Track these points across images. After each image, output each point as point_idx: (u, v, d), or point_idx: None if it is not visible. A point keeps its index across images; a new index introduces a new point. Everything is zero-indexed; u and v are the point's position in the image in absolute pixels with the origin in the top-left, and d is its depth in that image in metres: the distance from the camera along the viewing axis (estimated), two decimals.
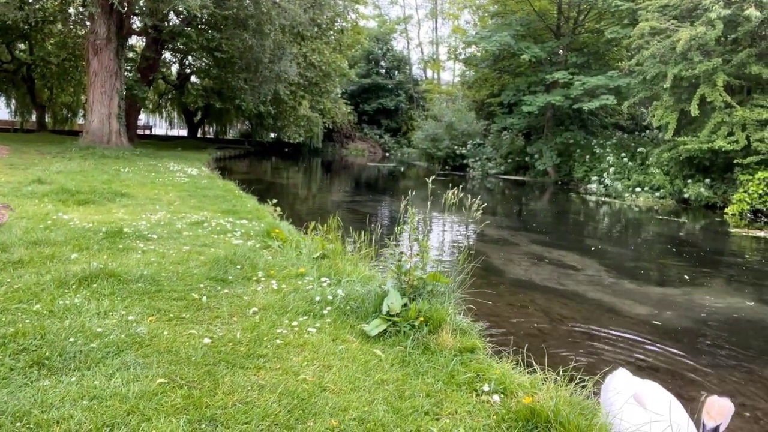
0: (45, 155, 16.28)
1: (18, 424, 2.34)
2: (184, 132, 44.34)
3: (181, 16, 23.76)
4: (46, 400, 2.54)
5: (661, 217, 16.11)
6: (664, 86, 18.25)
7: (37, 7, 19.27)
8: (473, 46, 30.62)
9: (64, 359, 2.95)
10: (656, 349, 5.28)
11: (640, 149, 22.47)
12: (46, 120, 34.82)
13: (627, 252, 10.82)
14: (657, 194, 19.77)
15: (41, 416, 2.40)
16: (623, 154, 22.94)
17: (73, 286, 4.09)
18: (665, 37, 18.37)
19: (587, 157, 24.86)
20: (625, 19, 23.27)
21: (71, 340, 3.17)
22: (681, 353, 5.20)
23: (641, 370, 4.76)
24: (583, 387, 3.09)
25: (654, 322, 6.12)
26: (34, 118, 35.01)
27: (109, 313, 3.68)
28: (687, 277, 8.51)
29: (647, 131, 26.05)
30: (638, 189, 20.45)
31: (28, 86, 31.85)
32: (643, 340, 5.51)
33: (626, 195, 20.40)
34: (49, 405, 2.50)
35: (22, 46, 31.05)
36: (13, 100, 35.03)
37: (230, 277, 4.72)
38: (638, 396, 3.00)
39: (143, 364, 2.99)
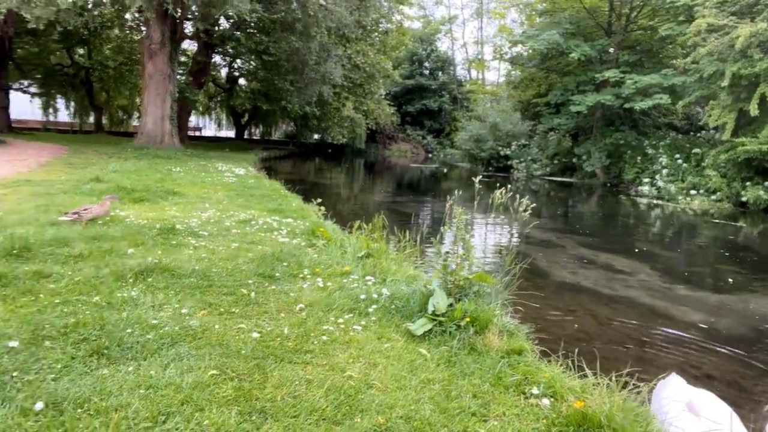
0: (102, 155, 16.99)
1: (79, 410, 2.45)
2: (231, 133, 45.45)
3: (231, 21, 24.38)
4: (105, 388, 2.64)
5: (717, 221, 15.44)
6: (722, 85, 17.49)
7: (96, 13, 20.12)
8: (520, 46, 30.14)
9: (122, 349, 3.07)
10: (711, 356, 5.07)
11: (696, 150, 21.61)
12: (103, 121, 36.37)
13: (680, 257, 10.42)
14: (713, 197, 18.97)
15: (101, 403, 2.50)
16: (677, 156, 22.12)
17: (130, 280, 4.25)
18: (723, 34, 17.61)
19: (639, 158, 24.09)
20: (681, 15, 22.41)
21: (128, 331, 3.29)
22: (738, 362, 4.98)
23: (695, 378, 4.57)
24: (638, 393, 2.99)
25: (709, 328, 5.87)
26: (92, 119, 36.62)
27: (164, 306, 3.81)
28: (745, 283, 8.13)
29: (703, 132, 25.05)
30: (693, 191, 19.67)
31: (87, 89, 33.34)
32: (697, 347, 5.29)
33: (680, 198, 19.66)
34: (108, 393, 2.60)
35: (81, 50, 32.52)
36: (73, 103, 36.73)
37: (277, 274, 4.80)
38: (692, 405, 2.88)
39: (196, 355, 3.08)
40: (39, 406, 2.44)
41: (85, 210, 6.05)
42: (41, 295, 3.79)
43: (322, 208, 8.97)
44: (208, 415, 2.49)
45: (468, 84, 55.01)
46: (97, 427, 2.32)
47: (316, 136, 42.59)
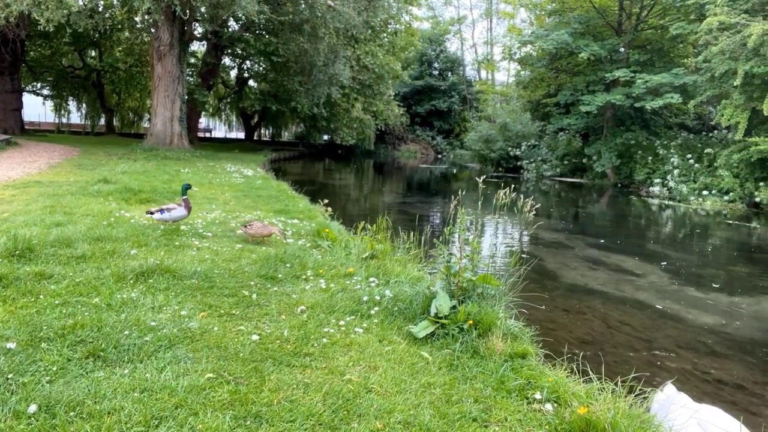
0: (112, 156, 17.09)
1: (71, 413, 2.41)
2: (241, 135, 45.64)
3: (240, 22, 24.46)
4: (99, 391, 2.61)
5: (730, 222, 15.22)
6: (734, 84, 17.26)
7: (106, 15, 20.28)
8: (529, 46, 29.94)
9: (119, 352, 3.03)
10: (723, 360, 4.96)
11: (708, 150, 21.35)
12: (115, 123, 36.64)
13: (692, 258, 10.26)
14: (726, 198, 18.71)
15: (94, 407, 2.47)
16: (689, 156, 21.87)
17: (131, 281, 4.23)
18: (735, 32, 17.37)
19: (650, 158, 23.84)
20: (692, 14, 22.17)
21: (126, 333, 3.26)
22: (750, 366, 4.86)
23: (707, 383, 4.47)
24: (644, 399, 2.90)
25: (721, 332, 5.75)
26: (103, 121, 36.91)
27: (164, 307, 3.77)
28: (758, 285, 7.97)
29: (715, 131, 24.76)
30: (705, 192, 19.42)
31: (98, 91, 33.61)
32: (708, 350, 5.18)
33: (692, 198, 19.42)
34: (102, 396, 2.56)
35: (92, 53, 32.82)
36: (84, 105, 37.04)
37: (280, 276, 4.76)
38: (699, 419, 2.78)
39: (193, 358, 3.04)
40: (32, 408, 2.41)
41: (249, 225, 6.07)
42: (41, 297, 3.78)
43: (329, 209, 8.93)
44: (201, 419, 2.44)
45: (477, 84, 54.81)
46: (89, 430, 2.29)
47: (325, 138, 42.64)
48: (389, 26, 29.83)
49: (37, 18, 15.98)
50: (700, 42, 19.45)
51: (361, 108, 35.28)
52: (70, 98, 36.38)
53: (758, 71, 16.44)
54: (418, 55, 50.47)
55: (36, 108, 38.51)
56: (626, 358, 4.79)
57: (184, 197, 6.27)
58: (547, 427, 2.64)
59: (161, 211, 6.18)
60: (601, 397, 2.83)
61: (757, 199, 17.65)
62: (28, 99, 31.40)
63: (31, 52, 29.48)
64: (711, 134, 24.98)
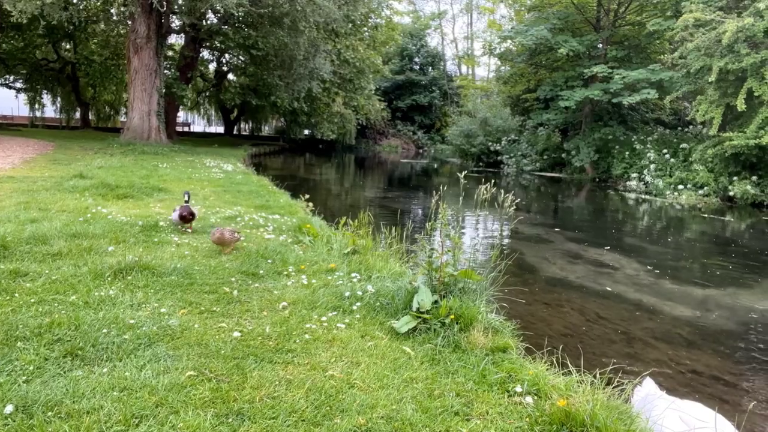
0: (87, 151, 16.78)
1: (49, 413, 2.37)
2: (221, 129, 45.19)
3: (219, 15, 24.13)
4: (77, 390, 2.57)
5: (704, 215, 15.54)
6: (709, 80, 17.58)
7: (81, 7, 19.83)
8: (509, 41, 30.12)
9: (97, 350, 2.99)
10: (698, 351, 5.07)
11: (683, 145, 21.74)
12: (90, 117, 35.95)
13: (668, 251, 10.46)
14: (700, 192, 19.09)
15: (72, 406, 2.43)
16: (665, 151, 22.25)
17: (109, 278, 4.16)
18: (710, 29, 17.69)
19: (627, 153, 24.20)
20: (668, 10, 22.53)
21: (105, 331, 3.21)
22: (725, 357, 4.98)
23: (682, 374, 4.57)
24: (622, 390, 2.96)
25: (696, 323, 5.88)
26: (78, 115, 36.17)
27: (143, 305, 3.73)
28: (732, 277, 8.16)
29: (691, 127, 25.23)
30: (680, 186, 19.79)
31: (73, 85, 32.93)
32: (684, 342, 5.29)
33: (668, 193, 19.77)
34: (80, 395, 2.53)
35: (67, 45, 32.08)
36: (59, 98, 36.25)
37: (261, 272, 4.73)
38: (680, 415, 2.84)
39: (174, 356, 3.01)
40: (8, 409, 2.37)
41: (222, 238, 5.25)
42: (16, 295, 3.70)
43: (311, 204, 8.90)
44: (183, 417, 2.42)
45: (458, 79, 54.98)
46: (67, 430, 2.25)
47: (306, 132, 42.44)
48: (370, 20, 29.73)
49: (9, 9, 15.57)
50: (676, 38, 19.76)
51: (341, 102, 35.17)
52: (45, 91, 35.57)
53: (732, 67, 16.77)
54: (398, 50, 50.45)
55: (9, 101, 37.67)
56: (605, 351, 4.87)
57: (184, 203, 6.23)
58: (527, 419, 2.67)
59: (175, 210, 6.23)
60: (580, 389, 2.87)
61: (731, 193, 18.04)
62: (0, 92, 30.63)
63: (3, 45, 28.71)
64: (686, 129, 25.45)
